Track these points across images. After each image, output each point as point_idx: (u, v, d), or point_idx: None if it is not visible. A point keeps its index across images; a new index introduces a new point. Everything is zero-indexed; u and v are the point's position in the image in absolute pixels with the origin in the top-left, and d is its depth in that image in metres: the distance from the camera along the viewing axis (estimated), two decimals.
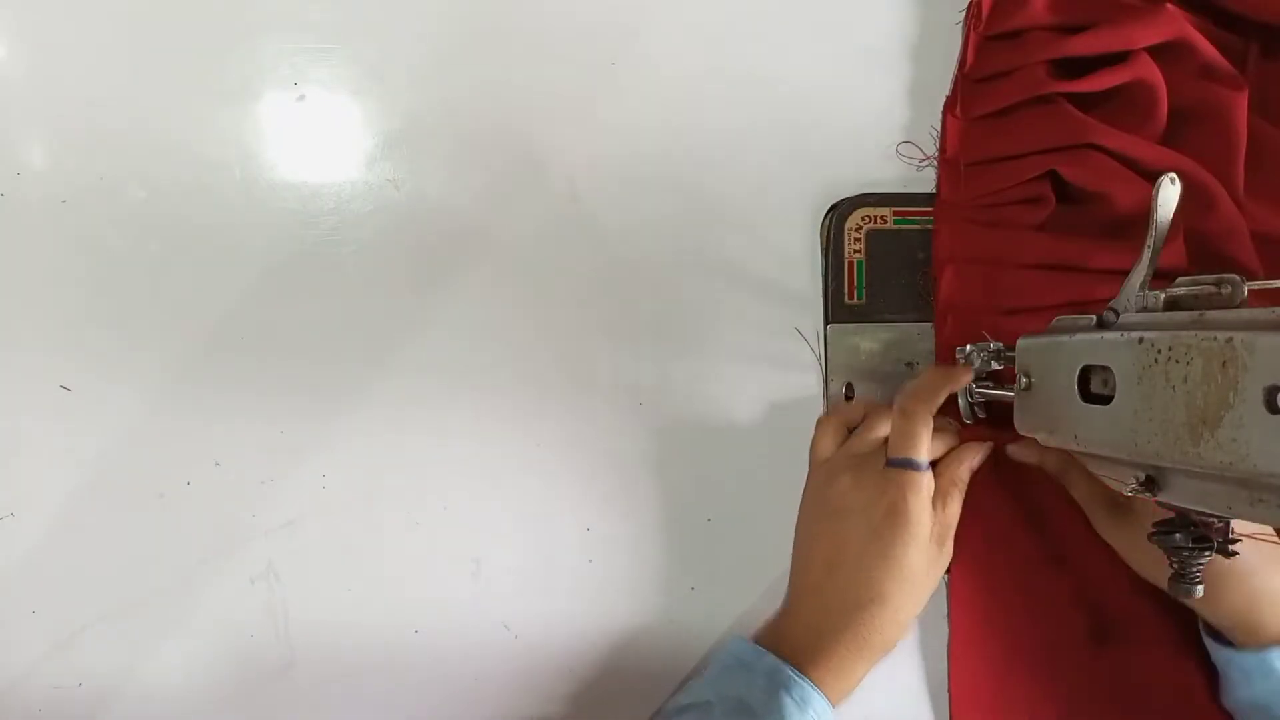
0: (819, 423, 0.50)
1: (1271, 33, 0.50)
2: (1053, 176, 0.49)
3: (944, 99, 0.51)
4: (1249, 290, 0.34)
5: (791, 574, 0.48)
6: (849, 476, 0.46)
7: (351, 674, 0.50)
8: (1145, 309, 0.37)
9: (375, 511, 0.50)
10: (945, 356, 0.50)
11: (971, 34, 0.50)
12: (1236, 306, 0.34)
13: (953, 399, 0.49)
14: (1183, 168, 0.47)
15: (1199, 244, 0.48)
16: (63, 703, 0.49)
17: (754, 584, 0.51)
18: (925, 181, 0.51)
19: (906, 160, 0.51)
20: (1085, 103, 0.48)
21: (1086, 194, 0.49)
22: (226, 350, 0.49)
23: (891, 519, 0.44)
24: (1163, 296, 0.37)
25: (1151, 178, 0.48)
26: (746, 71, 0.51)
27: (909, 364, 0.51)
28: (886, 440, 0.47)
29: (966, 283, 0.50)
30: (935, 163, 0.51)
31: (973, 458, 0.47)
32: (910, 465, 0.45)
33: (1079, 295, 0.48)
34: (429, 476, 0.50)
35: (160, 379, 0.49)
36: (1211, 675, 0.48)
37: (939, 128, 0.51)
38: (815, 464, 0.49)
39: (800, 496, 0.49)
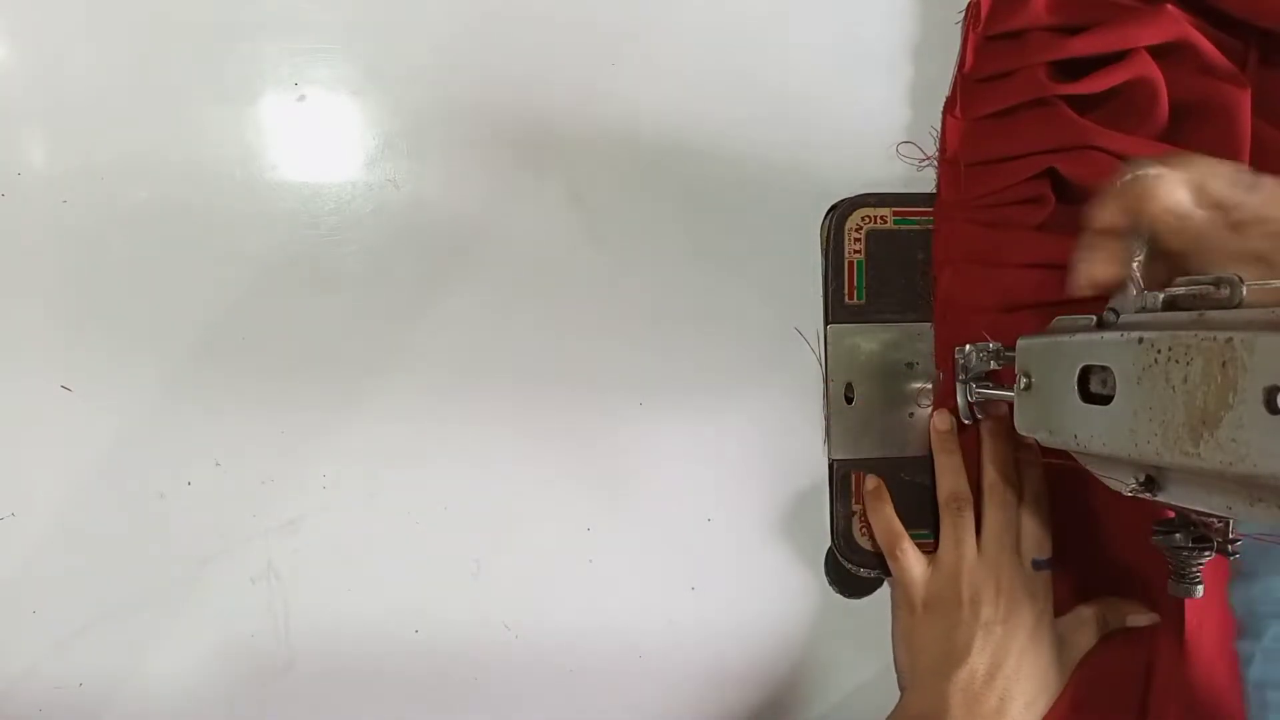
0: (903, 548, 0.49)
1: (1271, 38, 0.50)
2: (1053, 175, 0.49)
3: (944, 99, 0.51)
4: (1248, 290, 0.34)
5: (934, 677, 0.46)
6: (992, 583, 0.46)
7: (351, 674, 0.50)
8: (1144, 309, 0.38)
9: (376, 511, 0.50)
10: (945, 356, 0.50)
11: (970, 34, 0.50)
12: (1235, 307, 0.34)
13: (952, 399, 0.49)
14: None
15: None
16: (63, 703, 0.49)
17: (754, 584, 0.51)
18: (925, 182, 0.51)
19: (907, 160, 0.51)
20: (1085, 102, 0.48)
21: (1087, 193, 0.49)
22: (227, 350, 0.49)
23: (1044, 629, 0.46)
24: (1161, 296, 0.37)
25: None
26: (746, 71, 0.51)
27: (909, 364, 0.51)
28: (1006, 535, 0.47)
29: (966, 283, 0.50)
30: (935, 163, 0.51)
31: (1137, 617, 0.49)
32: (1050, 566, 0.47)
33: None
34: (429, 476, 0.50)
35: (161, 379, 0.49)
36: (1215, 660, 0.48)
37: (939, 128, 0.51)
38: (945, 571, 0.48)
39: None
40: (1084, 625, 0.48)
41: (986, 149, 0.50)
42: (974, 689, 0.45)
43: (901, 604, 0.49)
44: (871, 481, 0.51)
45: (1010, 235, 0.49)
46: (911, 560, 0.48)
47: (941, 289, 0.50)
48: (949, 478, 0.49)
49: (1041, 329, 0.43)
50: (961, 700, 0.45)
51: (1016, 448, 0.49)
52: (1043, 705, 0.46)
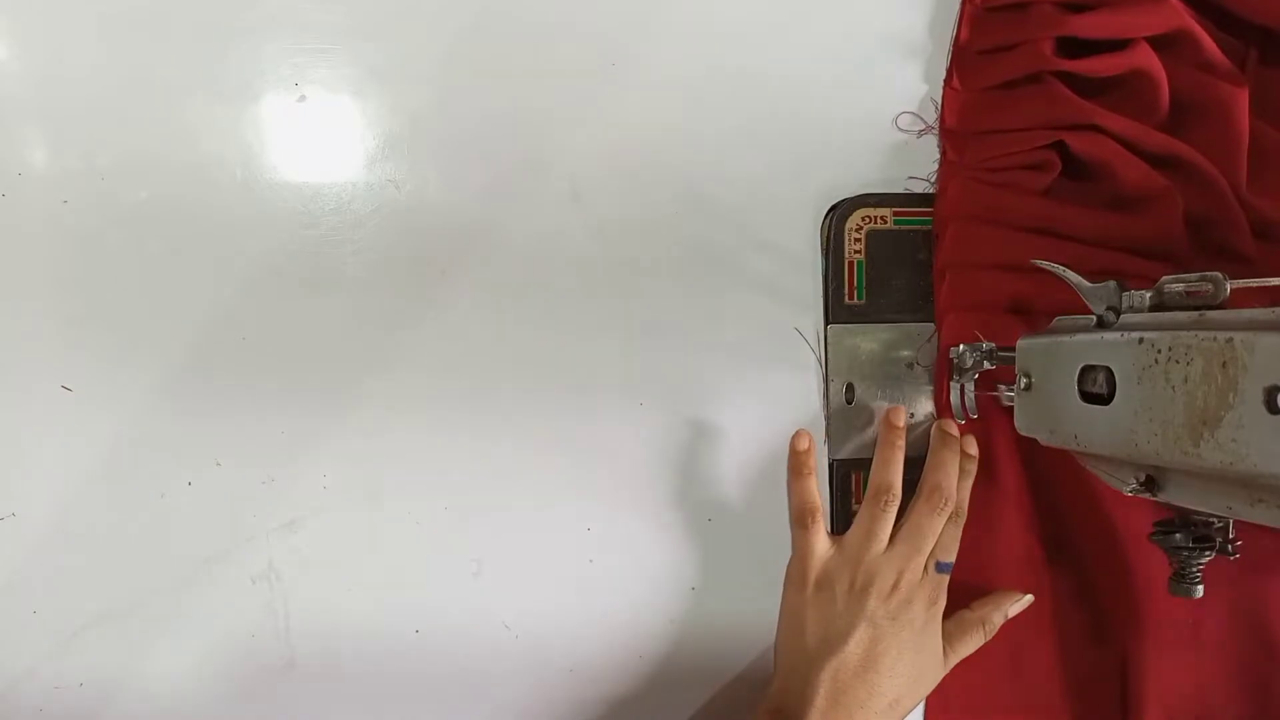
0: (815, 522, 0.49)
1: (1272, 38, 0.50)
2: (1059, 148, 0.49)
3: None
4: (1241, 286, 0.34)
5: (808, 661, 0.46)
6: (891, 578, 0.46)
7: (351, 674, 0.50)
8: (1131, 308, 0.38)
9: (376, 511, 0.50)
10: (944, 320, 0.49)
11: (966, 6, 0.50)
12: (1220, 304, 0.34)
13: (946, 396, 0.49)
14: (1183, 154, 0.47)
15: (1200, 230, 0.48)
16: (63, 702, 0.49)
17: (754, 584, 0.51)
18: (925, 182, 0.51)
19: (906, 132, 0.51)
20: (1086, 90, 0.48)
21: (1092, 170, 0.49)
22: (227, 350, 0.49)
23: (932, 630, 0.47)
24: (1149, 295, 0.37)
25: (1154, 163, 0.48)
26: (746, 71, 0.51)
27: (909, 364, 0.51)
28: (925, 538, 0.47)
29: (967, 240, 0.49)
30: (935, 132, 0.51)
31: (1015, 606, 0.49)
32: (949, 570, 0.47)
33: (1073, 263, 0.47)
34: (429, 476, 0.50)
35: (161, 379, 0.49)
36: (1213, 658, 0.48)
37: (939, 101, 0.51)
38: (848, 556, 0.47)
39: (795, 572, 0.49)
40: (968, 628, 0.48)
41: (988, 121, 0.50)
42: (843, 678, 0.44)
43: (794, 579, 0.49)
44: (803, 441, 0.50)
45: (1013, 196, 0.49)
46: (819, 536, 0.48)
47: (943, 247, 0.50)
48: (886, 470, 0.48)
49: (1042, 296, 0.43)
50: (829, 689, 0.44)
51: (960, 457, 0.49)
52: (909, 705, 0.46)
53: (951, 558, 0.48)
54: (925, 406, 0.51)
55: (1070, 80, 0.48)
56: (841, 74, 0.51)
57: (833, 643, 0.45)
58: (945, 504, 0.47)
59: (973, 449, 0.49)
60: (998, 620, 0.49)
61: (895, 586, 0.46)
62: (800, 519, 0.49)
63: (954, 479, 0.48)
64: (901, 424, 0.49)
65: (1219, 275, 0.34)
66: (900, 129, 0.51)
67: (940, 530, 0.47)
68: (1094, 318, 0.40)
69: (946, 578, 0.47)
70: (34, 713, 0.49)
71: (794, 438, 0.50)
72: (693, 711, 0.52)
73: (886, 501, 0.48)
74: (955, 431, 0.49)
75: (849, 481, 0.51)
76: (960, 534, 0.48)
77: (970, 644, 0.48)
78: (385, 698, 0.50)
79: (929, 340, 0.51)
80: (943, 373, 0.50)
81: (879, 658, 0.45)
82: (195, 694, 0.49)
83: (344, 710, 0.50)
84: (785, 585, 0.50)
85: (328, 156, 0.50)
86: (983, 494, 0.50)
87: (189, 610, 0.49)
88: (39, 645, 0.49)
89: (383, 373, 0.50)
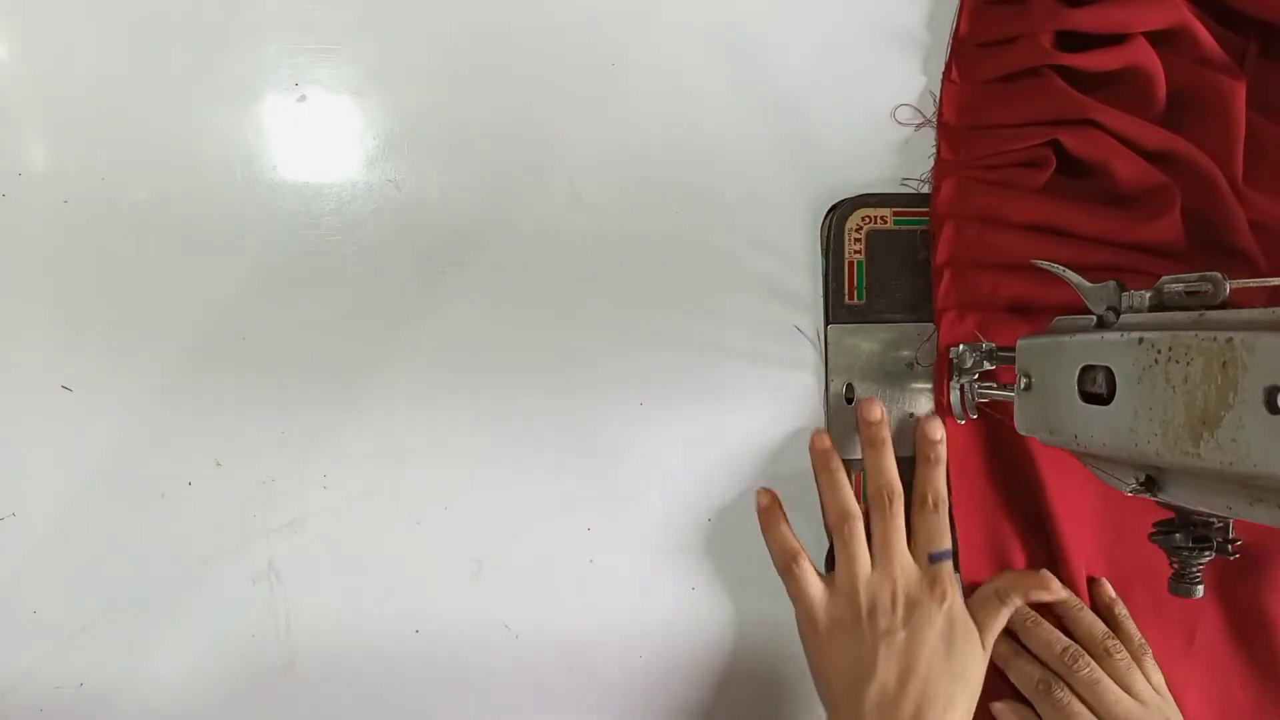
0: (800, 567, 0.48)
1: (1270, 31, 0.50)
2: (1055, 145, 0.49)
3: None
4: (1240, 285, 0.34)
5: (849, 698, 0.45)
6: (888, 591, 0.46)
7: (351, 674, 0.50)
8: (1131, 308, 0.38)
9: (376, 512, 0.50)
10: (942, 319, 0.49)
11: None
12: (1220, 305, 0.34)
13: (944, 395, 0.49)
14: (1180, 149, 0.47)
15: (1198, 226, 0.48)
16: (64, 703, 0.49)
17: (754, 584, 0.51)
18: (919, 182, 0.51)
19: (904, 125, 0.51)
20: (1084, 84, 0.48)
21: (1088, 167, 0.49)
22: (227, 350, 0.49)
23: (955, 621, 0.46)
24: (1148, 295, 0.37)
25: (1151, 158, 0.48)
26: (746, 71, 0.51)
27: (909, 364, 0.51)
28: (893, 541, 0.47)
29: (964, 239, 0.49)
30: (934, 125, 0.51)
31: (1037, 591, 0.48)
32: (949, 556, 0.48)
33: (1070, 259, 0.47)
34: (430, 476, 0.50)
35: (161, 379, 0.49)
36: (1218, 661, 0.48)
37: (937, 93, 0.51)
38: (843, 590, 0.47)
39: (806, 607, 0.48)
40: (987, 604, 0.48)
41: (986, 115, 0.50)
42: (887, 701, 0.44)
43: (804, 625, 0.49)
44: (764, 497, 0.50)
45: (1010, 194, 0.49)
46: (809, 580, 0.48)
47: (939, 246, 0.50)
48: (834, 496, 0.49)
49: (1042, 296, 0.42)
50: (877, 715, 0.44)
51: (916, 446, 0.49)
52: (966, 700, 0.45)
53: (944, 546, 0.47)
54: (925, 406, 0.51)
55: (1068, 74, 0.48)
56: (842, 71, 0.51)
57: (864, 673, 0.45)
58: (890, 502, 0.48)
59: (937, 434, 0.49)
60: (1016, 592, 0.48)
61: (894, 596, 0.46)
62: (784, 567, 0.49)
63: (889, 477, 0.48)
64: (826, 446, 0.50)
65: (1218, 275, 0.34)
66: (899, 122, 0.51)
67: (901, 527, 0.47)
68: (1094, 318, 0.40)
69: (948, 566, 0.47)
70: (34, 713, 0.49)
71: (759, 494, 0.50)
72: (692, 711, 0.52)
73: (850, 525, 0.48)
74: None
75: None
76: (945, 520, 0.48)
77: (996, 618, 0.48)
78: (385, 698, 0.50)
79: (929, 340, 0.51)
80: (942, 372, 0.50)
81: (911, 667, 0.45)
82: (195, 694, 0.49)
83: (344, 710, 0.50)
84: (801, 635, 0.50)
85: (328, 156, 0.50)
86: (972, 495, 0.50)
87: (189, 611, 0.49)
88: (39, 645, 0.49)
89: (383, 372, 0.50)
